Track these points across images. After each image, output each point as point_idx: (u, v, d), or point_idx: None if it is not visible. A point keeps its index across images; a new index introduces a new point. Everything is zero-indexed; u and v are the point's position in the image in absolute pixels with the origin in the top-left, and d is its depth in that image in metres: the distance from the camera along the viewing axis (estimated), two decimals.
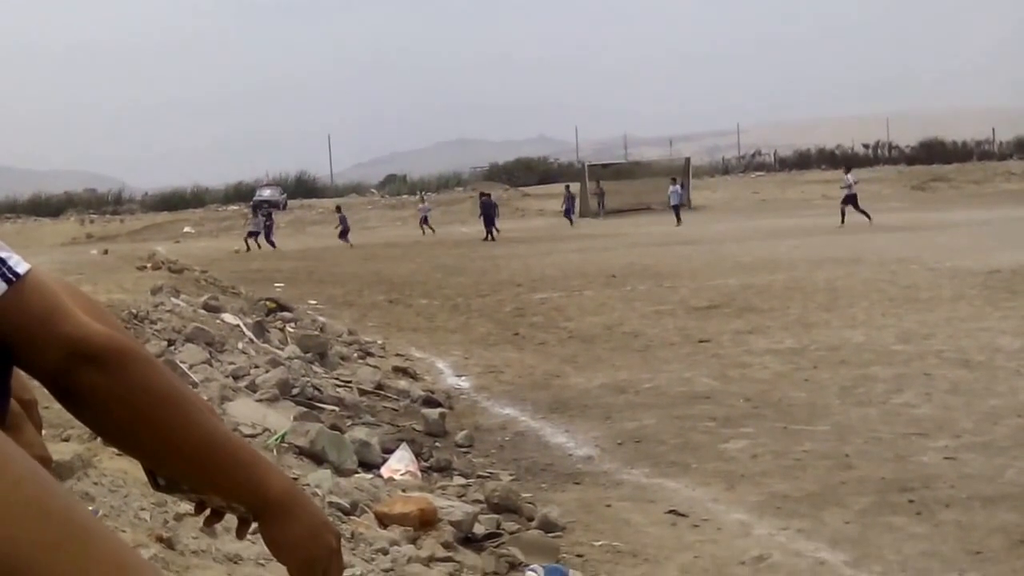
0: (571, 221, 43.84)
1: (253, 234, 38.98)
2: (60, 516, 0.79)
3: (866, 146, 78.35)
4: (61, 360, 1.21)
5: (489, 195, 41.04)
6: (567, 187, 47.97)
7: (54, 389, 1.25)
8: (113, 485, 4.20)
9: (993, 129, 79.69)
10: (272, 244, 38.03)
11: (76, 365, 1.22)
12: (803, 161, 76.97)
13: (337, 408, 8.41)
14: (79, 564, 0.77)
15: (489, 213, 37.81)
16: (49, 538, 0.76)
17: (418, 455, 7.15)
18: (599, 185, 52.52)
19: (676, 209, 40.60)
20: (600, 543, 5.72)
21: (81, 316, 1.24)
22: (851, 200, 32.72)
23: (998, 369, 9.66)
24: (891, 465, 6.87)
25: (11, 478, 0.78)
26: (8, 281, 1.19)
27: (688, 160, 61.82)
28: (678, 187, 42.51)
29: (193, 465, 1.30)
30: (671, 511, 6.21)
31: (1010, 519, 5.71)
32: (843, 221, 32.04)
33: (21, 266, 1.20)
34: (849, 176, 33.76)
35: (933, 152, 73.72)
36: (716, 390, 9.55)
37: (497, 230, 37.47)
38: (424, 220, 43.17)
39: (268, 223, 39.91)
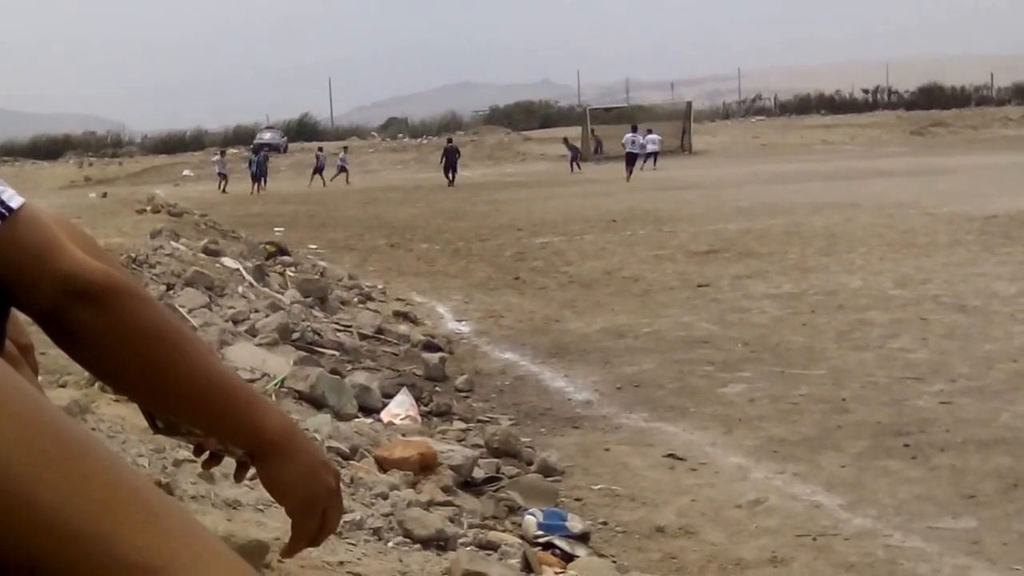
0: (577, 167, 42.91)
1: (223, 176, 40.70)
2: (51, 431, 0.78)
3: (865, 91, 78.08)
4: (55, 297, 1.19)
5: (450, 140, 41.38)
6: (566, 139, 47.51)
7: (48, 327, 1.23)
8: (111, 431, 4.23)
9: (991, 75, 79.37)
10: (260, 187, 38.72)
11: (70, 302, 1.19)
12: (803, 106, 76.73)
13: (337, 352, 8.45)
14: (72, 479, 0.76)
15: (452, 159, 38.06)
16: (40, 453, 0.76)
17: (418, 400, 7.20)
18: (593, 131, 52.27)
19: (629, 158, 36.98)
20: (599, 487, 5.78)
21: (76, 252, 1.21)
22: (632, 159, 35.40)
23: (994, 314, 9.70)
24: (887, 409, 6.93)
25: None
26: (0, 216, 1.17)
27: (689, 104, 61.46)
28: (636, 136, 39.20)
29: (189, 405, 1.29)
30: (669, 455, 6.27)
31: (1004, 463, 5.77)
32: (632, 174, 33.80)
33: (15, 200, 1.18)
34: (638, 135, 36.70)
35: (932, 97, 73.47)
36: (715, 334, 9.59)
37: (454, 177, 37.60)
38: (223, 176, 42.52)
39: (260, 167, 40.22)
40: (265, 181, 39.05)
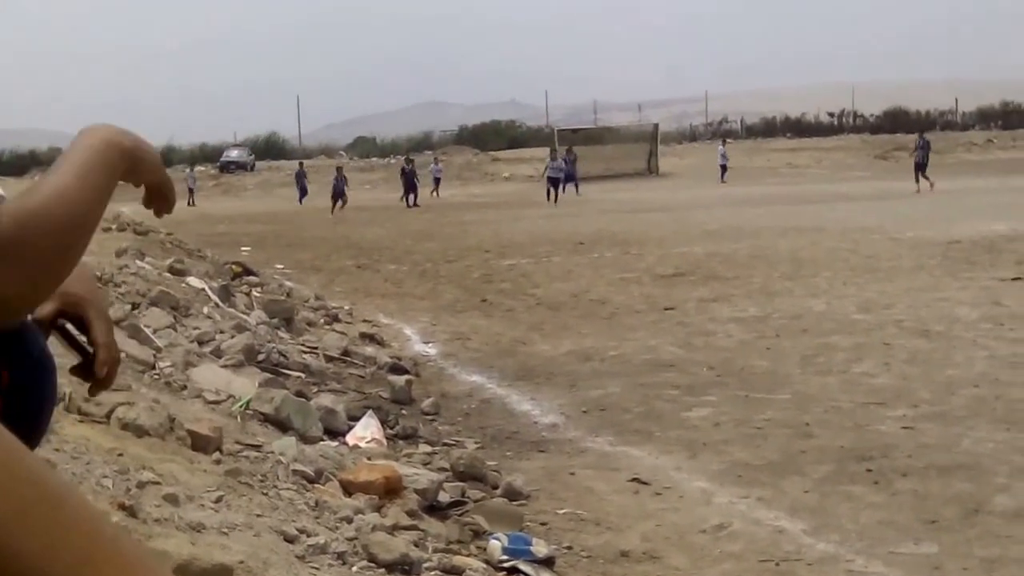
0: (562, 190, 39.97)
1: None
2: (31, 480, 0.78)
3: (831, 115, 78.76)
4: None
5: (413, 162, 41.55)
6: (569, 149, 46.70)
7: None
8: (75, 452, 4.20)
9: (956, 99, 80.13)
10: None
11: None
12: (769, 129, 77.36)
13: (303, 375, 8.42)
14: (53, 530, 0.76)
15: (412, 180, 38.44)
16: (18, 503, 0.76)
17: (384, 422, 7.18)
18: (571, 150, 52.30)
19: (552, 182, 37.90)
20: (564, 511, 5.78)
21: None
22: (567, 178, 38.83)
23: (956, 339, 9.80)
24: (850, 434, 6.98)
25: None
26: None
27: (656, 126, 61.88)
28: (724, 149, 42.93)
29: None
30: (634, 479, 6.28)
31: (964, 488, 5.82)
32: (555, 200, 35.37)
33: None
34: (551, 160, 38.80)
35: (897, 121, 74.13)
36: (680, 358, 9.63)
37: (414, 200, 38.06)
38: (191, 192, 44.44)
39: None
40: (344, 199, 37.40)
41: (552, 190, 36.68)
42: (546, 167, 39.84)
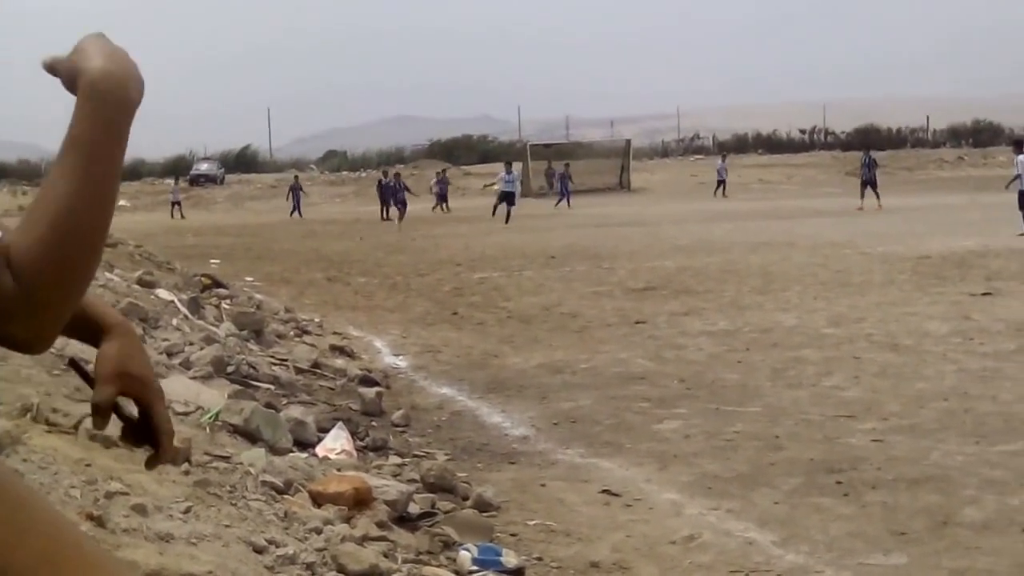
0: (557, 203, 41.62)
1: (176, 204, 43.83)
2: None
3: (803, 131, 79.30)
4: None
5: (386, 174, 41.66)
6: (567, 165, 46.61)
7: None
8: (43, 462, 4.16)
9: (927, 117, 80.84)
10: None
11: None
12: (741, 145, 77.81)
13: (272, 386, 8.37)
14: (11, 531, 0.76)
15: (385, 194, 38.84)
16: None
17: (354, 434, 7.15)
18: (551, 165, 52.19)
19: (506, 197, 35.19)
20: (534, 522, 5.77)
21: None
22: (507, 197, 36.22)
23: (925, 353, 9.86)
24: (820, 447, 7.00)
25: None
26: None
27: (629, 142, 62.13)
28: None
29: None
30: (604, 491, 6.28)
31: (933, 501, 5.85)
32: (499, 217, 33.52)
33: None
34: (505, 173, 36.58)
35: (868, 138, 74.47)
36: (651, 371, 9.64)
37: (389, 215, 38.33)
38: (177, 204, 44.62)
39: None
40: (403, 208, 37.04)
41: (507, 207, 33.98)
42: (498, 180, 39.25)
